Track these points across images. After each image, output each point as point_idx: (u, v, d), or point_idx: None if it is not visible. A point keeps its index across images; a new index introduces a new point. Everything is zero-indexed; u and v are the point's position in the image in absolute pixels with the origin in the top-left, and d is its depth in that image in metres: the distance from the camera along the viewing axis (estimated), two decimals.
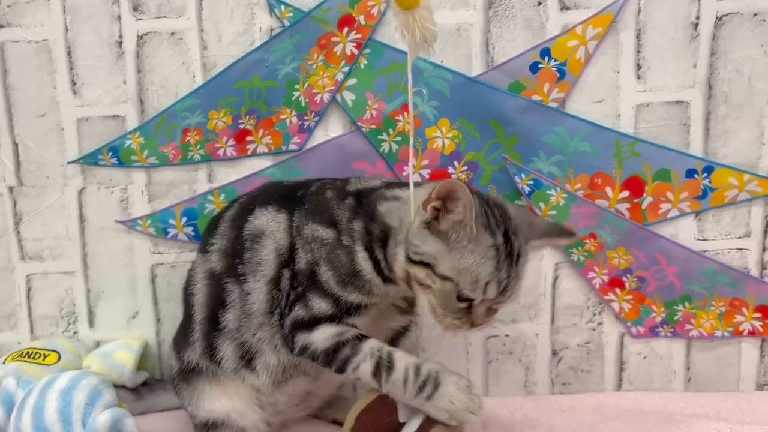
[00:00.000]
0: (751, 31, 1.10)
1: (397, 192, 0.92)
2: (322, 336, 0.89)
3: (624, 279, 1.16)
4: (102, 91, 1.17)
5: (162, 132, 1.16)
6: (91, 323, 1.24)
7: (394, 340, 1.02)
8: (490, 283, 0.84)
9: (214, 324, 0.97)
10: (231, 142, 1.17)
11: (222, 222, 1.00)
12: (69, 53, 1.16)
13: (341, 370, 0.89)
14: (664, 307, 1.17)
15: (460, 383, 0.84)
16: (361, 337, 0.89)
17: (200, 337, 0.98)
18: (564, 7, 1.11)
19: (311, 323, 0.90)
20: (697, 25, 1.10)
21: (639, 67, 1.12)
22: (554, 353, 1.21)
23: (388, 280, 0.91)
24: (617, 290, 1.17)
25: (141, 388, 1.18)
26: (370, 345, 0.88)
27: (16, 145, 1.18)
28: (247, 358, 0.96)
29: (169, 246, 1.21)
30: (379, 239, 0.90)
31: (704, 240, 1.16)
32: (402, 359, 0.86)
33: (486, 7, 1.11)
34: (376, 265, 0.90)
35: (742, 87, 1.11)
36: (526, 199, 1.14)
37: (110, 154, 1.18)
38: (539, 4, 1.11)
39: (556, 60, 1.11)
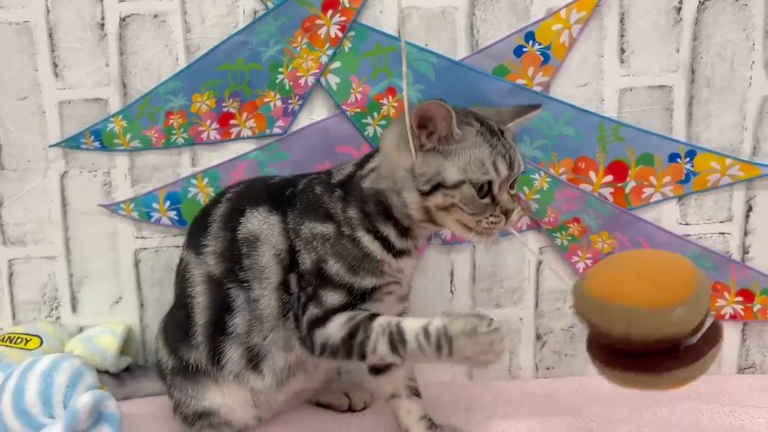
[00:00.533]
0: (733, 16, 1.10)
1: (370, 164, 0.94)
2: (336, 325, 0.89)
3: None
4: (84, 74, 1.15)
5: (145, 115, 1.16)
6: (73, 308, 1.23)
7: None
8: (497, 160, 0.86)
9: (220, 328, 0.96)
10: (214, 125, 1.16)
11: (212, 221, 0.99)
12: (50, 35, 1.15)
13: (362, 355, 0.87)
14: None
15: (467, 328, 0.82)
16: (372, 317, 0.89)
17: (204, 340, 0.97)
18: None
19: (325, 318, 0.90)
20: (680, 9, 1.11)
21: (623, 51, 1.12)
22: (538, 337, 1.21)
23: (399, 253, 0.92)
24: None
25: (123, 374, 1.17)
26: (380, 322, 0.87)
27: None
28: (255, 362, 0.96)
29: (153, 230, 1.20)
30: (379, 213, 0.91)
31: (687, 224, 1.16)
32: (410, 328, 0.85)
33: None
34: (384, 242, 0.91)
35: (725, 71, 1.12)
36: None
37: (93, 137, 1.17)
38: None
39: (540, 44, 1.11)
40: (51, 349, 1.14)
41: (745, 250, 1.17)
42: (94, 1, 1.13)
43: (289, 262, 0.93)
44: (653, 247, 1.15)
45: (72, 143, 1.17)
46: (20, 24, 1.14)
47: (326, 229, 0.92)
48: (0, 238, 1.20)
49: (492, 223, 0.86)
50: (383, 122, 1.14)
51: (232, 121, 1.16)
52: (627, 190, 1.15)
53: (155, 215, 1.18)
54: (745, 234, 1.16)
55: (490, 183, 0.86)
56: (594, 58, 1.12)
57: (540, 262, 1.19)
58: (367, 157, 0.95)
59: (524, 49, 1.11)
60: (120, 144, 1.17)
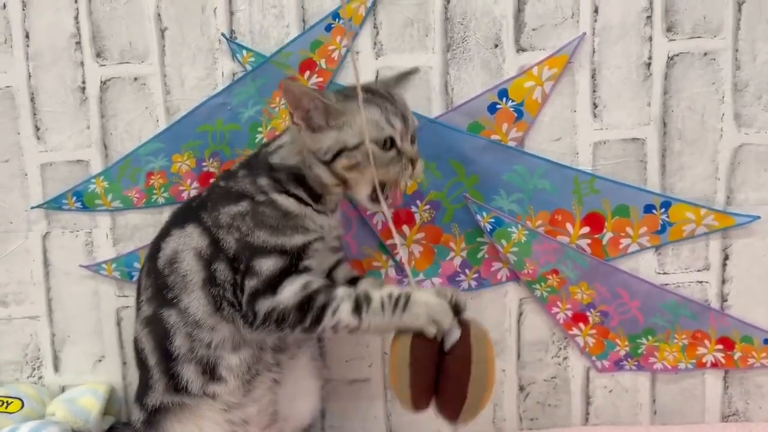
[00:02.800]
0: (702, 70, 1.13)
1: (277, 142, 1.01)
2: (289, 293, 0.93)
3: (587, 313, 1.18)
4: (65, 136, 1.17)
5: (126, 176, 1.17)
6: (56, 368, 1.23)
7: (330, 273, 1.06)
8: (390, 117, 0.94)
9: (168, 357, 0.98)
10: (195, 184, 1.17)
11: (140, 279, 1.05)
12: (32, 99, 1.16)
13: (317, 319, 0.92)
14: (628, 341, 1.18)
15: (428, 289, 0.97)
16: (330, 285, 0.95)
17: (160, 377, 0.99)
18: (520, 49, 1.13)
19: (270, 287, 0.93)
20: (649, 64, 1.13)
21: (595, 105, 1.14)
22: (521, 388, 1.21)
23: (317, 211, 0.98)
24: (581, 325, 1.18)
25: None
26: (344, 289, 0.94)
27: None
28: (210, 370, 0.98)
29: (134, 289, 1.19)
30: (290, 180, 0.98)
31: (665, 274, 1.17)
32: (377, 292, 0.94)
33: (444, 50, 1.14)
34: (298, 199, 0.97)
35: (696, 124, 1.14)
36: (488, 236, 1.15)
37: (74, 198, 1.18)
38: (496, 46, 1.13)
39: (513, 100, 1.13)
40: (32, 411, 1.14)
41: (723, 298, 1.17)
42: (75, 65, 1.16)
43: (211, 253, 0.96)
44: (633, 296, 1.16)
45: (54, 204, 1.18)
46: (2, 89, 1.16)
47: (242, 207, 0.96)
48: None
49: (398, 172, 0.95)
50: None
51: (212, 180, 1.17)
52: (604, 241, 1.16)
53: (137, 274, 1.18)
54: (723, 282, 1.17)
55: (392, 138, 0.94)
56: (567, 113, 1.14)
57: (521, 314, 1.19)
58: (275, 138, 1.03)
59: (498, 106, 1.13)
60: (101, 204, 1.18)
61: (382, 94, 0.97)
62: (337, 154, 0.93)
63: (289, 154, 0.98)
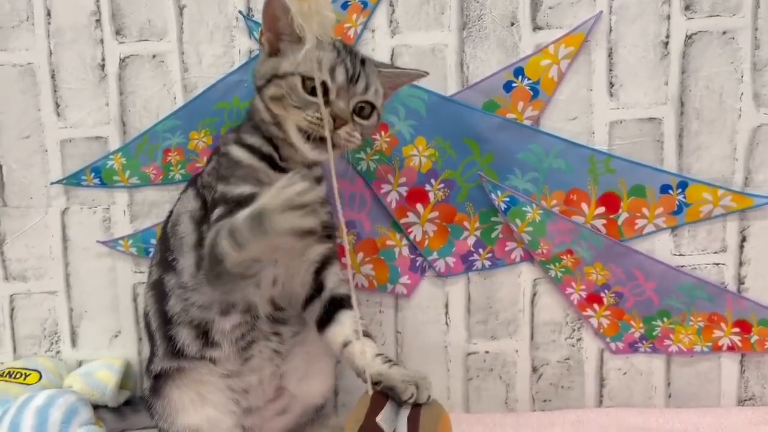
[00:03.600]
0: (721, 49, 1.12)
1: None
2: (208, 239, 0.89)
3: (602, 294, 1.17)
4: (85, 113, 1.19)
5: (143, 152, 1.18)
6: (73, 342, 1.25)
7: (320, 272, 1.00)
8: (337, 67, 0.88)
9: (165, 321, 0.99)
10: None
11: (155, 246, 1.08)
12: (53, 76, 1.18)
13: (219, 256, 0.85)
14: (643, 323, 1.17)
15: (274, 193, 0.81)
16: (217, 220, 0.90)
17: (161, 342, 1.01)
18: (536, 28, 1.13)
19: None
20: (667, 43, 1.12)
21: (612, 84, 1.14)
22: (534, 370, 1.21)
23: (277, 167, 0.95)
24: (595, 306, 1.18)
25: (123, 408, 1.18)
26: (223, 221, 0.88)
27: (0, 166, 1.20)
28: (203, 333, 0.97)
29: None
30: (248, 124, 0.98)
31: (681, 255, 1.16)
32: (243, 212, 0.84)
33: (460, 27, 1.14)
34: (252, 150, 0.95)
35: (714, 103, 1.13)
36: (503, 215, 1.15)
37: (93, 174, 1.20)
38: (512, 24, 1.13)
39: (529, 79, 1.13)
40: (50, 383, 1.15)
41: (740, 281, 1.16)
42: (94, 43, 1.17)
43: (201, 216, 0.97)
44: (648, 278, 1.15)
45: (73, 180, 1.20)
46: (24, 66, 1.18)
47: (212, 163, 0.99)
48: (2, 274, 1.23)
49: (316, 119, 0.87)
50: (376, 156, 1.16)
51: None
52: (619, 222, 1.15)
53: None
54: (740, 264, 1.16)
55: (325, 84, 0.87)
56: (583, 92, 1.14)
57: (535, 294, 1.19)
58: None
59: (513, 85, 1.13)
60: (119, 181, 1.19)
61: (355, 53, 0.93)
62: (269, 80, 0.91)
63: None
